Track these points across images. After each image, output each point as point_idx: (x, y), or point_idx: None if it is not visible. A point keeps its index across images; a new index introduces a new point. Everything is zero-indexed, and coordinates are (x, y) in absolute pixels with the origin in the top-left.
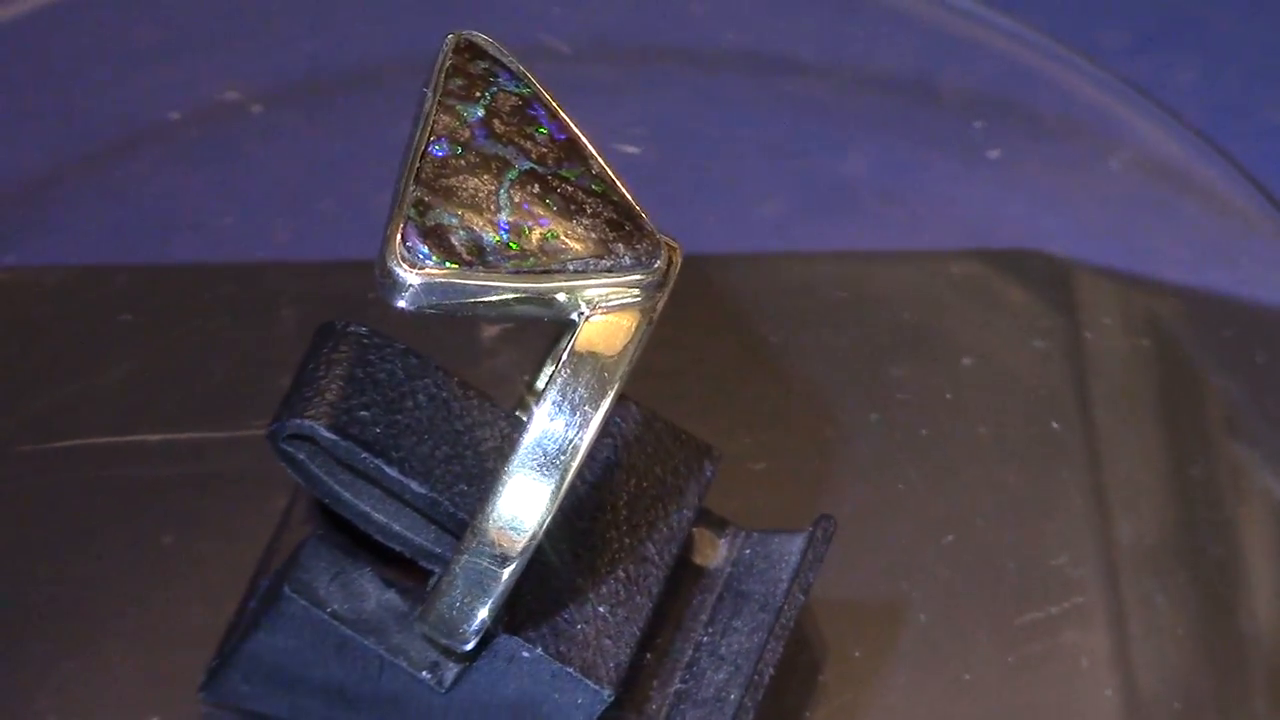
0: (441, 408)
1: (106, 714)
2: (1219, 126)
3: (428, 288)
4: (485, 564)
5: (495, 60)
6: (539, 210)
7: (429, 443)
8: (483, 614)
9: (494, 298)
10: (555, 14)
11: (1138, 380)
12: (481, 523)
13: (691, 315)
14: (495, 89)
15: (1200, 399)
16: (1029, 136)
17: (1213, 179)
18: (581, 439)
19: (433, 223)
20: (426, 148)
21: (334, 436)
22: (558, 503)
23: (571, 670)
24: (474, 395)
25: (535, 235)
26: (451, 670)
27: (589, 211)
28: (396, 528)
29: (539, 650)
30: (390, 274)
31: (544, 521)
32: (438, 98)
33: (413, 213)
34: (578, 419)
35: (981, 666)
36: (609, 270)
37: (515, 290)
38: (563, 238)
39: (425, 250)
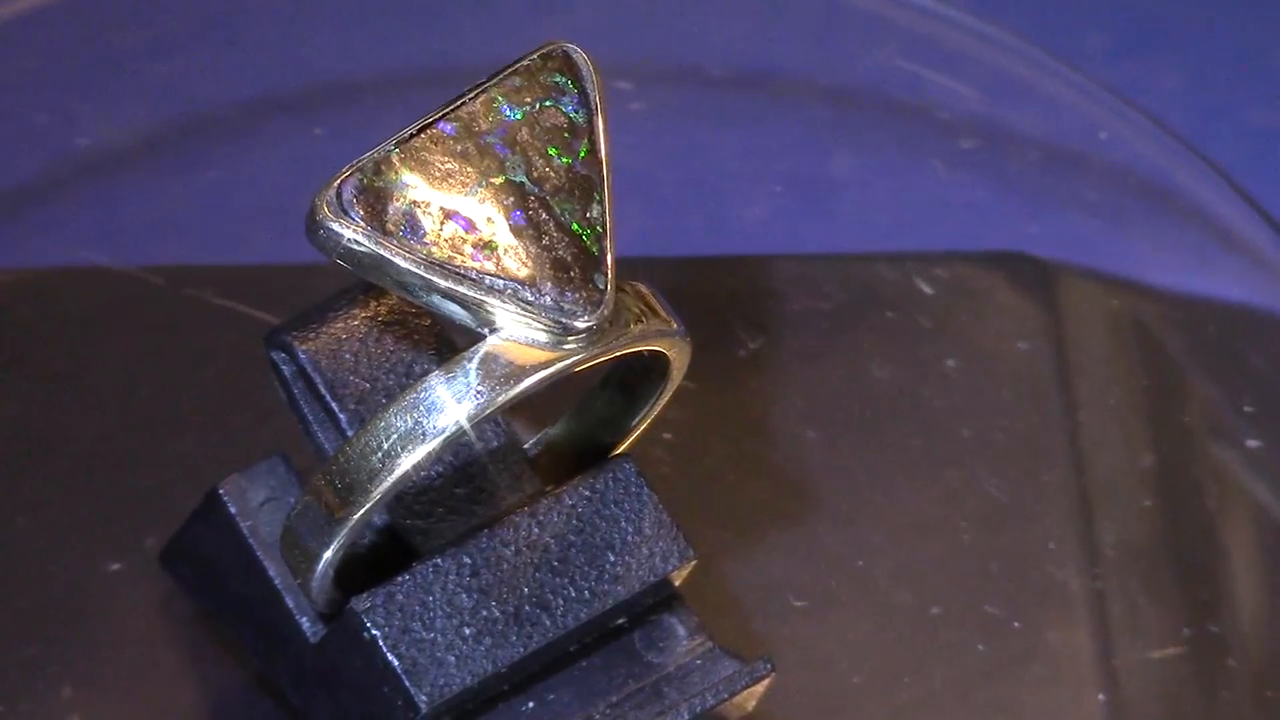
0: None
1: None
2: (1201, 130)
3: (335, 239)
4: (322, 509)
5: (576, 81)
6: (496, 220)
7: None
8: (321, 559)
9: (399, 277)
10: (548, 27)
11: (1121, 382)
12: (323, 470)
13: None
14: (549, 103)
15: (1183, 401)
16: (1013, 140)
17: (1195, 183)
18: (434, 430)
19: (381, 184)
20: (435, 121)
21: (306, 361)
22: (397, 476)
23: (396, 667)
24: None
25: (473, 239)
26: (323, 628)
27: (545, 243)
28: None
29: (377, 635)
30: (312, 211)
31: (382, 489)
32: (484, 85)
33: (369, 167)
34: (436, 412)
35: (964, 668)
36: (525, 302)
37: (419, 278)
38: (497, 252)
39: (353, 203)
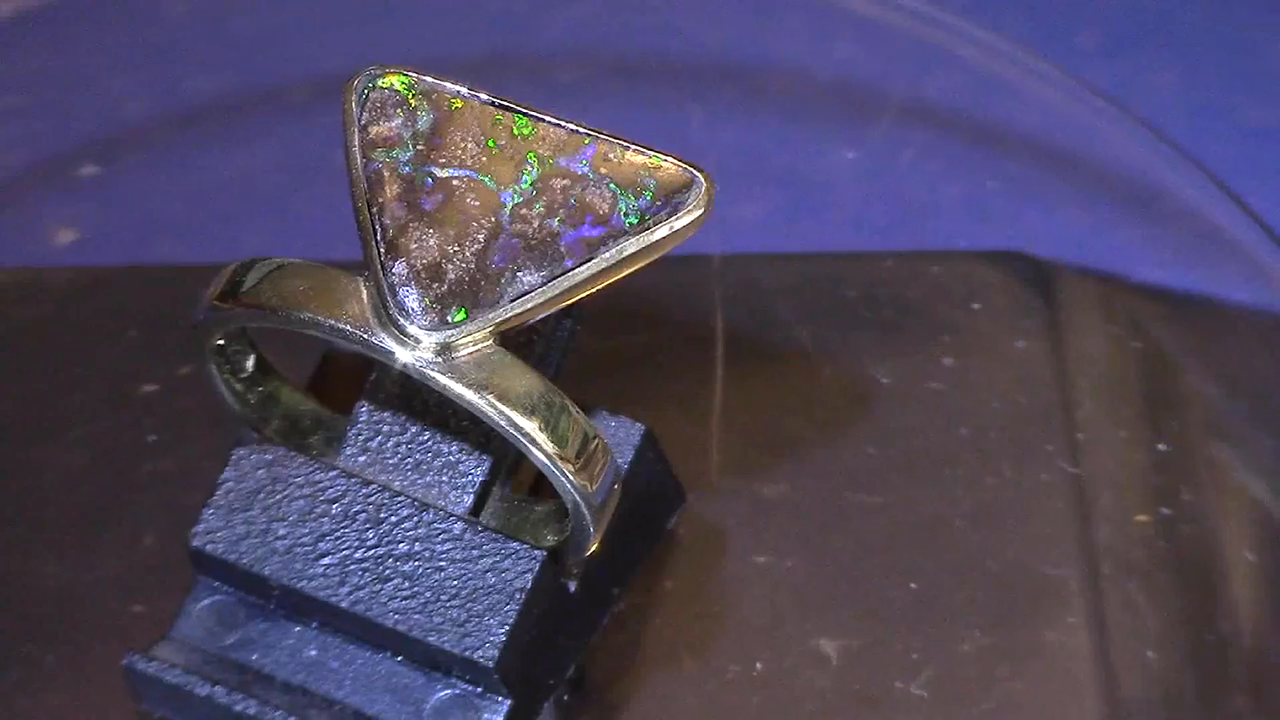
0: None
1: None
2: (1195, 128)
3: (343, 103)
4: (205, 297)
5: (663, 199)
6: (444, 203)
7: None
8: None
9: (346, 163)
10: (539, 21)
11: (1119, 381)
12: (233, 265)
13: (669, 314)
14: (613, 189)
15: (1181, 400)
16: (1011, 139)
17: (1189, 184)
18: (280, 307)
19: (413, 103)
20: (522, 111)
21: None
22: (230, 312)
23: (208, 499)
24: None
25: (412, 197)
26: None
27: (450, 250)
28: None
29: (226, 467)
30: (351, 76)
31: (218, 316)
32: (608, 136)
33: (422, 86)
34: (292, 302)
35: (962, 668)
36: (381, 267)
37: (350, 177)
38: (410, 220)
39: (369, 92)
